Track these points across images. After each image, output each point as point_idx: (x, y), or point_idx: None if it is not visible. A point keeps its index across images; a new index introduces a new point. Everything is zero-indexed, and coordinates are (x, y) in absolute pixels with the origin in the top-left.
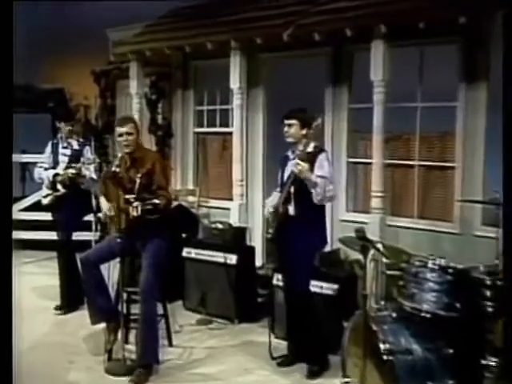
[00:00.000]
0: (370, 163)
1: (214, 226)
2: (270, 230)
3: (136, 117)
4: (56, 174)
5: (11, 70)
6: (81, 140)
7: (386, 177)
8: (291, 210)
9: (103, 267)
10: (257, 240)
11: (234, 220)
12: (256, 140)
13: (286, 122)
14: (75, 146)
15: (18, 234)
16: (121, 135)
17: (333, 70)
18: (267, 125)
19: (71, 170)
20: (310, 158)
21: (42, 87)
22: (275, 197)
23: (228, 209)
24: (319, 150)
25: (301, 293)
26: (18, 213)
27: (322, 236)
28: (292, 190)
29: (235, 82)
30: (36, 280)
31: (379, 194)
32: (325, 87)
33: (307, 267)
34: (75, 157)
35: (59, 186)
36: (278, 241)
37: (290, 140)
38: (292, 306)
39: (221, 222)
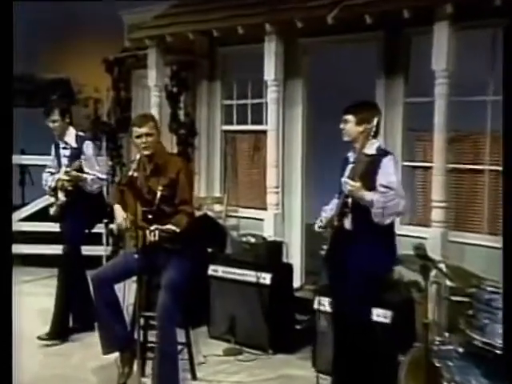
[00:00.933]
0: (429, 168)
1: (244, 239)
2: (325, 246)
3: (154, 112)
4: (58, 180)
5: (11, 59)
6: (79, 134)
7: (450, 184)
8: (347, 223)
9: (116, 287)
10: (295, 256)
11: (269, 233)
12: (294, 139)
13: (343, 117)
14: (73, 143)
15: (18, 248)
16: (139, 136)
17: (386, 57)
18: (307, 122)
19: (64, 177)
20: (373, 162)
21: (44, 77)
22: (334, 204)
23: (261, 220)
24: (384, 152)
25: (358, 323)
26: (16, 223)
27: (388, 255)
28: (349, 199)
29: (270, 72)
30: (37, 302)
31: (441, 205)
32: (376, 78)
33: (369, 293)
34: (75, 156)
35: (60, 194)
36: (331, 259)
37: (346, 138)
38: (343, 336)
39: (253, 235)
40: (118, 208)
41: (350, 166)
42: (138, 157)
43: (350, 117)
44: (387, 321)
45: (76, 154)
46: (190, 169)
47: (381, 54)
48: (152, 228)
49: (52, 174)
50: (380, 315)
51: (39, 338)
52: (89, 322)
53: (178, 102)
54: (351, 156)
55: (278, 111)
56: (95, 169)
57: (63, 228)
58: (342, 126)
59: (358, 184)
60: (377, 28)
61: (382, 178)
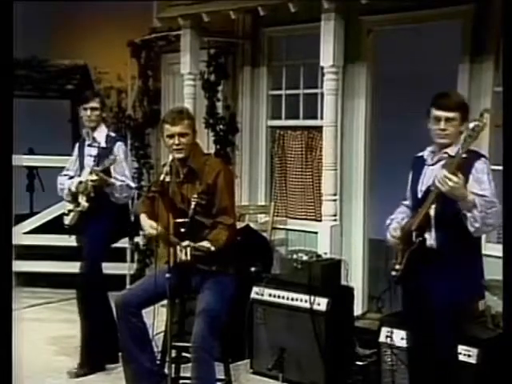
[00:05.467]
0: None
1: (294, 257)
2: (397, 267)
3: (188, 104)
4: (80, 183)
5: (10, 40)
6: (111, 134)
7: None
8: (430, 239)
9: (144, 313)
10: (356, 278)
11: (324, 249)
12: (355, 137)
13: (444, 114)
14: (102, 142)
15: (24, 265)
16: (171, 136)
17: (473, 36)
18: (371, 116)
19: (90, 177)
20: (462, 166)
21: (57, 63)
22: (403, 213)
23: (315, 233)
24: (476, 154)
25: (442, 361)
26: (23, 236)
27: (476, 280)
28: (432, 212)
29: (327, 56)
30: (47, 329)
31: None
32: (459, 62)
33: (454, 326)
34: (103, 158)
35: (81, 199)
36: (408, 282)
37: (444, 141)
38: (424, 375)
39: (305, 252)
40: (143, 217)
41: (429, 169)
42: (170, 158)
43: (455, 114)
44: (472, 360)
45: (105, 154)
46: (231, 172)
47: (467, 33)
48: (183, 244)
49: (71, 177)
50: (463, 353)
51: (68, 373)
52: (113, 353)
53: (216, 93)
54: (429, 156)
55: (337, 103)
56: (125, 175)
57: (82, 240)
58: (442, 125)
59: (460, 179)
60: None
61: (473, 186)
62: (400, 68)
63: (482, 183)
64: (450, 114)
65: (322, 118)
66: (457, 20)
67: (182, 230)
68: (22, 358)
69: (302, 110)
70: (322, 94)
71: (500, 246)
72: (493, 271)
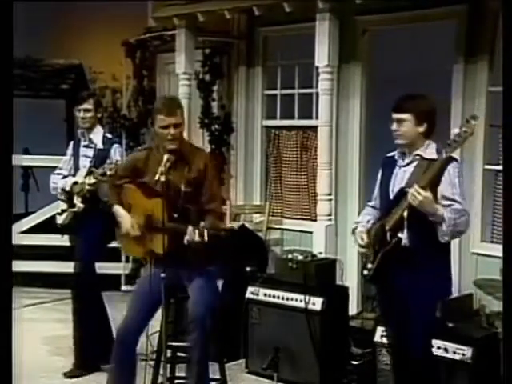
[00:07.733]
0: None
1: (289, 256)
2: (369, 266)
3: (183, 104)
4: (75, 183)
5: (10, 40)
6: (108, 135)
7: None
8: (405, 239)
9: None
10: (351, 277)
11: (319, 249)
12: (350, 137)
13: (395, 116)
14: (99, 144)
15: (19, 265)
16: (167, 127)
17: (468, 37)
18: (366, 116)
19: (88, 180)
20: (435, 171)
21: (52, 63)
22: (369, 215)
23: (310, 233)
24: (449, 157)
25: (419, 358)
26: (18, 236)
27: (446, 279)
28: (405, 212)
29: (322, 56)
30: (42, 329)
31: None
32: (453, 63)
33: (427, 323)
34: (100, 159)
35: (76, 200)
36: (381, 281)
37: (400, 141)
38: (404, 374)
39: (300, 252)
40: (118, 209)
41: (401, 171)
42: (165, 158)
43: (406, 115)
44: (467, 359)
45: (102, 156)
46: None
47: (461, 33)
48: (201, 225)
49: (64, 176)
50: (458, 352)
51: (65, 374)
52: (108, 353)
53: (211, 93)
54: (399, 157)
55: (331, 103)
56: None
57: (75, 240)
58: (394, 127)
59: (430, 195)
60: (458, 1)
61: (445, 189)
62: (395, 68)
63: (453, 186)
64: (401, 116)
65: (316, 118)
66: (451, 20)
67: (175, 215)
68: (18, 357)
69: (297, 109)
70: (317, 94)
71: (494, 246)
72: (487, 271)
